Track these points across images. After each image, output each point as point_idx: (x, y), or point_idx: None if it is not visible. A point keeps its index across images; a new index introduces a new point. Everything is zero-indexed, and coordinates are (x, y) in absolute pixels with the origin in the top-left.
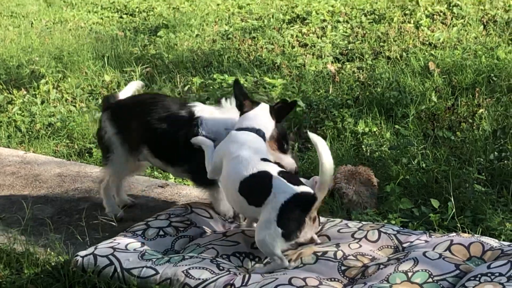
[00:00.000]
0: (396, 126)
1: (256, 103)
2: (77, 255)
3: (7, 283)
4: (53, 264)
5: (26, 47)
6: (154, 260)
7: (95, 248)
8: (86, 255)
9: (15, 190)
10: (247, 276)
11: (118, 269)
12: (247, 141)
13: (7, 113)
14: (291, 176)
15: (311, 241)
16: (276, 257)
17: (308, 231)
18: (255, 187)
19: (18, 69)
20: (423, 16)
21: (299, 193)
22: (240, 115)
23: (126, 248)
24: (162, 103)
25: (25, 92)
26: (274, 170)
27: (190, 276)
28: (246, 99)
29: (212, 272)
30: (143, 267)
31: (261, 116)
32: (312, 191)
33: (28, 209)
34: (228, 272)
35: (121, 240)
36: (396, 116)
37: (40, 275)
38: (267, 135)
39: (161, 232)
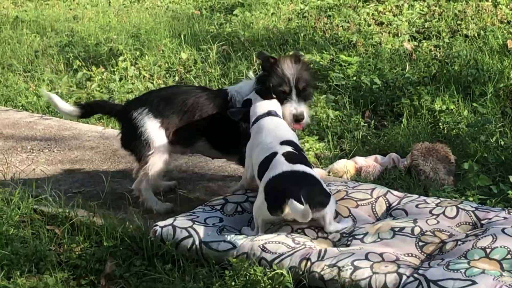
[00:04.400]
0: (474, 104)
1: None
2: (156, 225)
3: (87, 255)
4: (131, 237)
5: (104, 26)
6: (232, 235)
7: (174, 220)
8: (165, 226)
9: (94, 165)
10: (323, 250)
11: (197, 242)
12: (270, 127)
13: (86, 89)
14: (294, 156)
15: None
16: (256, 225)
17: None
18: (263, 167)
19: (96, 47)
20: None
21: (285, 171)
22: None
23: (205, 222)
24: (204, 94)
25: (103, 69)
26: (282, 150)
27: (267, 251)
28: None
29: (288, 246)
30: (221, 241)
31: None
32: (301, 170)
33: (107, 183)
34: (304, 246)
35: (200, 214)
36: (474, 94)
37: (119, 248)
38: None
39: (239, 208)
